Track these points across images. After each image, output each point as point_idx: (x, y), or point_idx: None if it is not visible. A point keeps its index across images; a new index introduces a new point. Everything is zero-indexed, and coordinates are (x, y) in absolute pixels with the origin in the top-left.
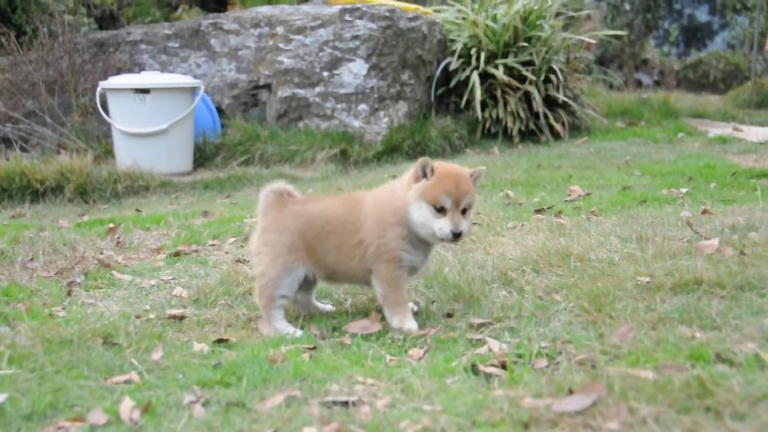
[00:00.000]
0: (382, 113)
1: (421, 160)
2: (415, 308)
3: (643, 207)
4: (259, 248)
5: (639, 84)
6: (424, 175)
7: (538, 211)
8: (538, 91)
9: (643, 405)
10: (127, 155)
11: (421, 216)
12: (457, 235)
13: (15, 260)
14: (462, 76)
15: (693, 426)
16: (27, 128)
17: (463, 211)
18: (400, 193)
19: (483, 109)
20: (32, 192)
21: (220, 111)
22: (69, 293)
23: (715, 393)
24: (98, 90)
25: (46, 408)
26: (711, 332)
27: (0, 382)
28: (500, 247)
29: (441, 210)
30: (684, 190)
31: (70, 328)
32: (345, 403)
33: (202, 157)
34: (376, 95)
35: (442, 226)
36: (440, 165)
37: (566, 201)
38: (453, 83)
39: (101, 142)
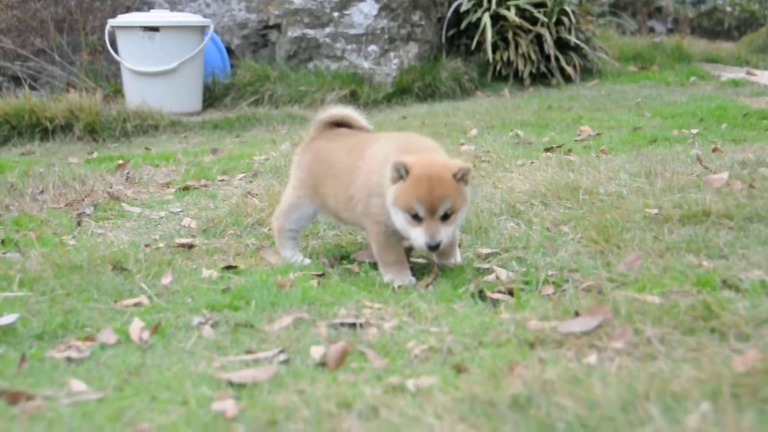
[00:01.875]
0: (392, 54)
1: (394, 161)
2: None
3: (654, 146)
4: (291, 173)
5: (652, 31)
6: (401, 177)
7: (547, 150)
8: (550, 33)
9: (649, 326)
10: (136, 94)
11: (398, 222)
12: (432, 248)
13: (25, 192)
14: (473, 17)
15: (697, 346)
16: (36, 66)
17: (446, 216)
18: (385, 173)
19: (494, 51)
20: (42, 130)
21: (229, 51)
22: (79, 223)
23: (721, 315)
24: (107, 28)
25: (56, 328)
26: (718, 260)
27: (11, 303)
28: (509, 181)
29: (416, 217)
30: (695, 131)
31: (80, 255)
32: (353, 325)
33: (211, 97)
34: (386, 36)
35: (417, 236)
36: (416, 164)
37: (576, 141)
38: (464, 25)
39: (110, 81)
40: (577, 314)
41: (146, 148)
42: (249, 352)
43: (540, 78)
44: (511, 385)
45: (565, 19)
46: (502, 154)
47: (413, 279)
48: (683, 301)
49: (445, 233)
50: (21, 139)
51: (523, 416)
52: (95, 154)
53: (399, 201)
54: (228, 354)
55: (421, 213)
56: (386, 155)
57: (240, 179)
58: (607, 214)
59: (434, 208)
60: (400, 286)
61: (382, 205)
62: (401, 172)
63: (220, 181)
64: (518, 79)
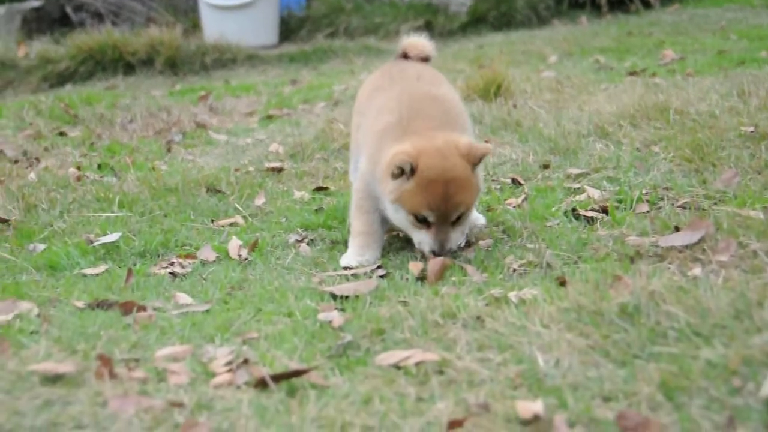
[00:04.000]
0: None
1: (393, 155)
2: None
3: (742, 68)
4: None
5: None
6: (403, 173)
7: (631, 74)
8: None
9: (754, 240)
10: (214, 28)
11: (398, 219)
12: (440, 254)
13: (115, 122)
14: None
15: None
16: (117, 2)
17: (458, 218)
18: (386, 148)
19: None
20: (124, 64)
21: None
22: (169, 150)
23: None
24: None
25: (157, 246)
26: None
27: (113, 222)
28: (595, 104)
29: (423, 221)
30: None
31: (174, 178)
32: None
33: (287, 30)
34: None
35: (423, 240)
36: (424, 161)
37: (660, 65)
38: None
39: (189, 16)
40: (677, 229)
41: (225, 81)
42: (347, 267)
43: (618, 5)
44: (617, 295)
45: None
46: (584, 79)
47: (372, 258)
48: None
49: (455, 239)
50: (105, 74)
51: (632, 324)
52: (178, 87)
53: (404, 201)
54: (327, 270)
55: (431, 219)
56: (385, 125)
57: (322, 107)
58: (700, 133)
59: (447, 216)
60: (345, 267)
61: (371, 173)
62: (405, 170)
63: (302, 109)
64: (595, 6)
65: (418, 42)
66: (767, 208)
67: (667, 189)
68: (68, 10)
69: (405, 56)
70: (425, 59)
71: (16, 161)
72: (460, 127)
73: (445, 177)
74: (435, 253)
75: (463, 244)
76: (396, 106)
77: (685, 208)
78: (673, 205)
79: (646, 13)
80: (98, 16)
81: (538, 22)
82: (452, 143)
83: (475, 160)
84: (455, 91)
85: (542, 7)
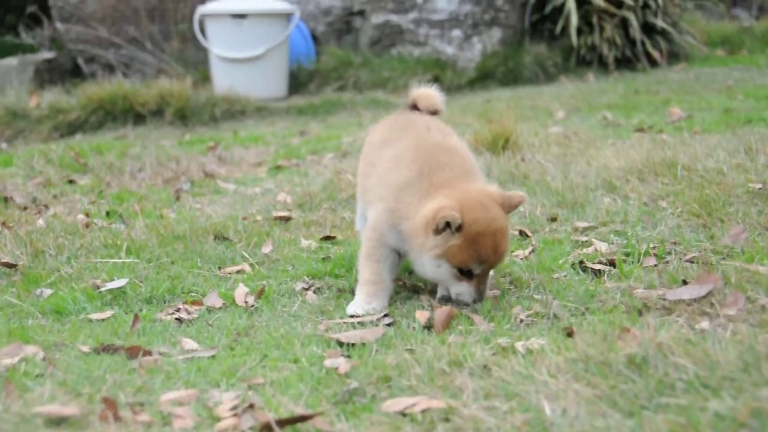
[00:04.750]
0: (475, 39)
1: (437, 211)
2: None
3: (749, 126)
4: None
5: (737, 18)
6: (446, 228)
7: (638, 130)
8: (636, 17)
9: (762, 295)
10: (224, 80)
11: (438, 273)
12: (478, 302)
13: (124, 171)
14: (557, 2)
15: None
16: (128, 54)
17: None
18: (413, 203)
19: (578, 36)
20: (134, 115)
21: (314, 38)
22: (177, 198)
23: None
24: (196, 16)
25: (164, 293)
26: None
27: (120, 268)
28: (602, 159)
29: (467, 273)
30: None
31: (182, 226)
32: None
33: (296, 83)
34: (470, 21)
35: (463, 292)
36: (470, 217)
37: (667, 123)
38: (548, 9)
39: (198, 68)
40: (685, 282)
41: (234, 132)
42: (354, 316)
43: (624, 63)
44: (625, 346)
45: (651, 2)
46: (591, 135)
47: (379, 307)
48: None
49: (488, 286)
50: (115, 124)
51: (640, 375)
52: (187, 137)
53: (451, 257)
54: (333, 317)
55: (477, 271)
56: (406, 180)
57: (330, 158)
58: (708, 189)
59: (492, 267)
60: (352, 315)
61: (388, 224)
62: (452, 225)
63: (311, 160)
64: (602, 64)
65: (429, 93)
66: None
67: (674, 243)
68: (80, 61)
69: (414, 107)
70: (434, 112)
71: (25, 208)
72: (477, 176)
73: (491, 229)
74: (476, 302)
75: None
76: (413, 158)
77: (692, 262)
78: (681, 259)
79: (653, 71)
80: (109, 68)
81: (546, 78)
82: (487, 193)
83: (511, 209)
84: (463, 141)
85: (550, 64)
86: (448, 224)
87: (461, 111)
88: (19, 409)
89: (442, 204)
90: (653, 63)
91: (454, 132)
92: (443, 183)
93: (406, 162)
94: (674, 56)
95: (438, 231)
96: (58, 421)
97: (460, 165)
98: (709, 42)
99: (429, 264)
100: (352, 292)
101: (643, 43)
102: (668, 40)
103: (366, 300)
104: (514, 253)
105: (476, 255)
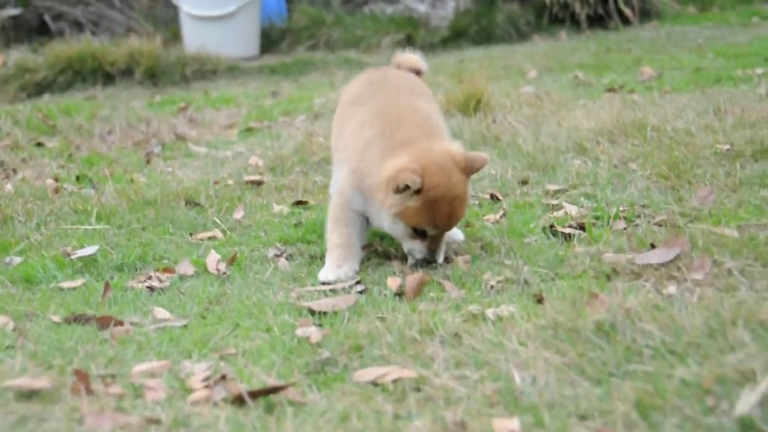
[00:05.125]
0: None
1: (398, 171)
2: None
3: (718, 86)
4: None
5: None
6: (405, 189)
7: (609, 90)
8: None
9: (728, 258)
10: (194, 39)
11: (394, 230)
12: (430, 262)
13: (93, 133)
14: None
15: None
16: (97, 11)
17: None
18: (374, 160)
19: None
20: (104, 74)
21: None
22: (148, 161)
23: None
24: None
25: (135, 260)
26: None
27: (90, 235)
28: (573, 120)
29: (421, 233)
30: (760, 71)
31: (153, 191)
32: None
33: (268, 42)
34: None
35: (415, 249)
36: (429, 180)
37: (638, 81)
38: None
39: (169, 26)
40: (653, 246)
41: (205, 92)
42: (325, 282)
43: (597, 21)
44: (594, 312)
45: None
46: (563, 95)
47: (350, 271)
48: (762, 233)
49: (443, 248)
50: (83, 84)
51: (608, 342)
52: (157, 98)
53: (407, 217)
54: (305, 285)
55: (431, 233)
56: (369, 138)
57: (302, 120)
58: (677, 150)
59: (446, 230)
60: (324, 282)
61: (355, 185)
62: (411, 188)
63: (282, 122)
64: (574, 22)
65: (412, 57)
66: (742, 227)
67: (643, 206)
68: (47, 18)
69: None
70: (417, 72)
71: None
72: (441, 135)
73: (449, 195)
74: (427, 262)
75: (441, 260)
76: (376, 117)
77: (661, 225)
78: (649, 222)
79: (625, 29)
80: (77, 26)
81: (518, 37)
82: (449, 155)
83: (472, 172)
84: (435, 103)
85: (522, 23)
86: (407, 186)
87: (434, 71)
88: None
89: (404, 164)
90: (625, 21)
91: (429, 93)
92: (406, 141)
93: (370, 122)
94: (646, 14)
95: (398, 191)
96: (29, 394)
97: (424, 123)
98: None
99: (386, 220)
100: (324, 259)
101: (615, 1)
102: None
103: (336, 264)
104: (485, 217)
105: (431, 219)
